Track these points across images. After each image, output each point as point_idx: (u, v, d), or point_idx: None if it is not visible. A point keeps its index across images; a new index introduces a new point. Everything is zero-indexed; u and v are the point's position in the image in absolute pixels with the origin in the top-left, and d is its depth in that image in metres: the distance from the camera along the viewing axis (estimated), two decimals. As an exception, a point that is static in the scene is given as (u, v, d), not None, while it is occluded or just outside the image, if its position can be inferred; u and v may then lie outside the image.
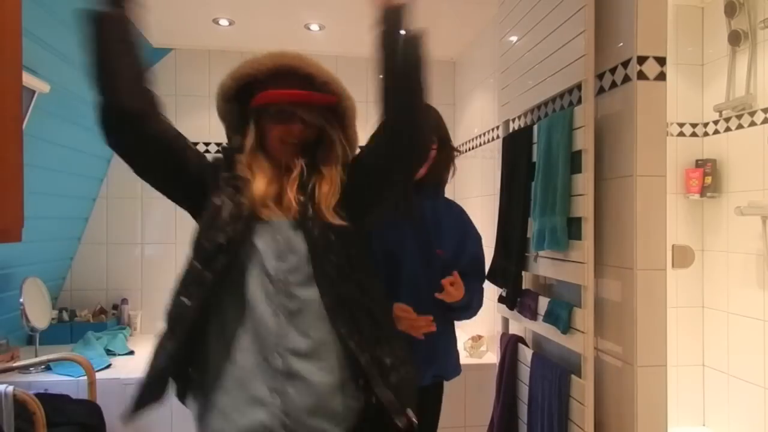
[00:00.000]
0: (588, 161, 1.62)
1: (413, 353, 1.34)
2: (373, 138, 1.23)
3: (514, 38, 2.22)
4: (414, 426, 1.15)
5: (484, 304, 1.73)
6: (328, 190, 1.17)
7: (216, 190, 1.17)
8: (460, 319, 1.74)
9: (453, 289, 1.52)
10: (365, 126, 2.33)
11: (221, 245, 1.10)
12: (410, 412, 1.14)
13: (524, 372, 2.01)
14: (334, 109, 1.26)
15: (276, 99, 1.18)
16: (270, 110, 1.21)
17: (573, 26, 1.71)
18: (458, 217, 1.74)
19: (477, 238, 1.75)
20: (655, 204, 1.52)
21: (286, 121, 1.20)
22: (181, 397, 1.26)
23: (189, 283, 1.13)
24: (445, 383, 1.74)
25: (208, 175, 1.21)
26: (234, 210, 1.13)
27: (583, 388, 1.62)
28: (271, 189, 1.18)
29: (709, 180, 2.43)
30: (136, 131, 1.14)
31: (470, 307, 1.66)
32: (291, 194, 1.17)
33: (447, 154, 1.71)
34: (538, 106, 2.09)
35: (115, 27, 1.12)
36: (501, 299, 2.17)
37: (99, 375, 2.30)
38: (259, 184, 1.17)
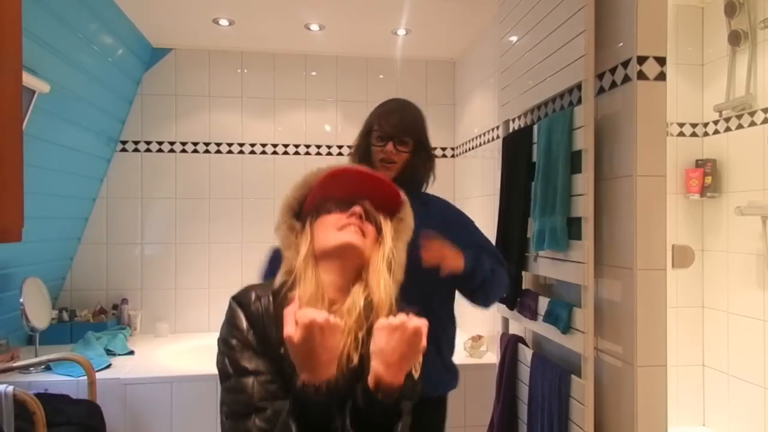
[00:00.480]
0: (588, 161, 1.62)
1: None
2: None
3: (514, 38, 2.22)
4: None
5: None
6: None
7: None
8: (476, 299, 1.57)
9: (431, 255, 1.38)
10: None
11: None
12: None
13: (524, 372, 2.02)
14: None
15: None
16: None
17: (573, 26, 1.71)
18: (439, 212, 1.63)
19: (467, 224, 1.66)
20: (655, 204, 1.52)
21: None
22: None
23: None
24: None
25: None
26: None
27: (583, 388, 1.62)
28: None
29: (709, 180, 2.43)
30: None
31: (474, 276, 1.47)
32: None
33: (422, 156, 1.61)
34: (538, 106, 2.09)
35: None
36: (501, 299, 2.17)
37: (99, 375, 2.30)
38: None
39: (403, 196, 1.12)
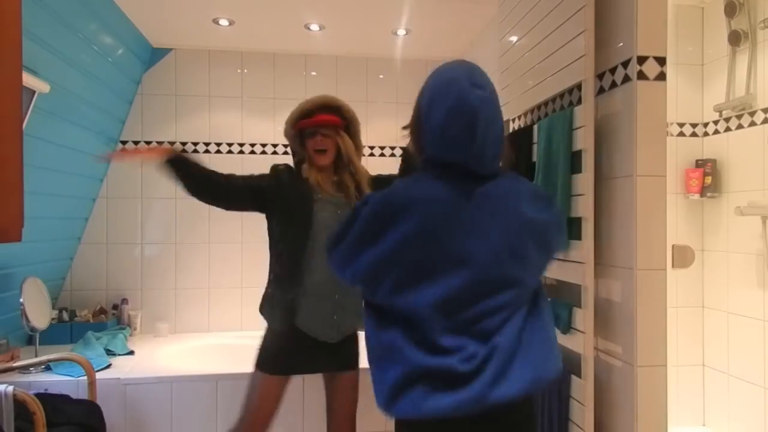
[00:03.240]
0: (588, 161, 1.62)
1: None
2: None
3: (514, 38, 2.22)
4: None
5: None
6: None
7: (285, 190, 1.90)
8: None
9: None
10: (365, 125, 2.33)
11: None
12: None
13: (524, 372, 2.01)
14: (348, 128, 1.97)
15: (312, 120, 1.89)
16: (309, 132, 1.91)
17: (573, 26, 1.71)
18: None
19: None
20: (655, 204, 1.52)
21: (316, 136, 1.90)
22: None
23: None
24: None
25: (276, 186, 1.89)
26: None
27: (583, 388, 1.62)
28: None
29: (709, 180, 2.43)
30: (223, 205, 1.95)
31: None
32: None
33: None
34: (538, 106, 2.09)
35: (183, 171, 1.84)
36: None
37: (99, 375, 2.30)
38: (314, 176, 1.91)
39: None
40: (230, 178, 1.89)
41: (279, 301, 1.85)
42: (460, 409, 1.07)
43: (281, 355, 1.87)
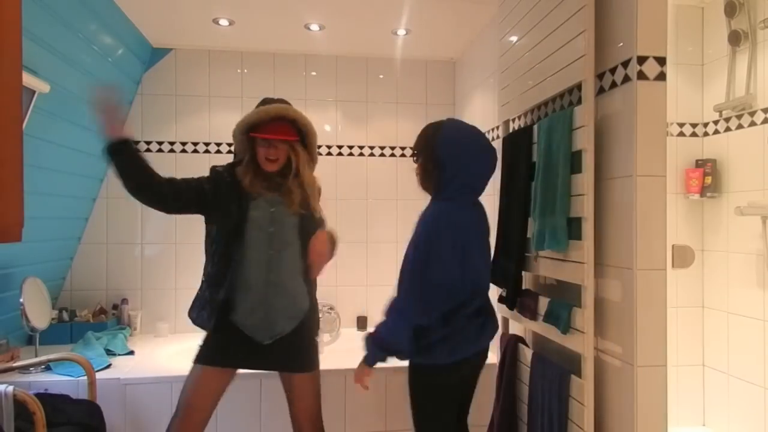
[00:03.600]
0: (588, 161, 1.62)
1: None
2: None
3: (514, 38, 2.22)
4: None
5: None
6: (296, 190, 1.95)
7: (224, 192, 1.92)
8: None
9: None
10: (365, 125, 2.32)
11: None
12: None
13: (524, 372, 2.02)
14: (303, 140, 1.97)
15: (267, 136, 1.88)
16: (261, 141, 1.90)
17: (573, 26, 1.71)
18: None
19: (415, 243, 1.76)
20: (655, 204, 1.52)
21: (269, 147, 1.90)
22: None
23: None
24: None
25: (215, 187, 1.92)
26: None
27: (583, 388, 1.62)
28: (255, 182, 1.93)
29: (709, 180, 2.43)
30: (164, 207, 1.94)
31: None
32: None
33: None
34: (538, 106, 2.09)
35: (128, 161, 1.87)
36: (501, 299, 2.17)
37: (99, 375, 2.30)
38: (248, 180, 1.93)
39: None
40: (173, 180, 1.90)
41: (209, 301, 1.87)
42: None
43: (216, 349, 1.90)
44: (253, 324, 1.87)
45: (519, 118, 2.26)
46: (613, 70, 1.63)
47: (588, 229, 1.62)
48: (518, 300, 2.05)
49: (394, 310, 1.73)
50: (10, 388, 1.78)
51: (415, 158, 1.90)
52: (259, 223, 1.88)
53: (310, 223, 1.94)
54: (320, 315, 2.14)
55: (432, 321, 1.71)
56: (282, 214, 1.91)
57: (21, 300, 2.42)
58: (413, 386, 1.83)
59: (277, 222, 1.90)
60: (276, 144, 1.88)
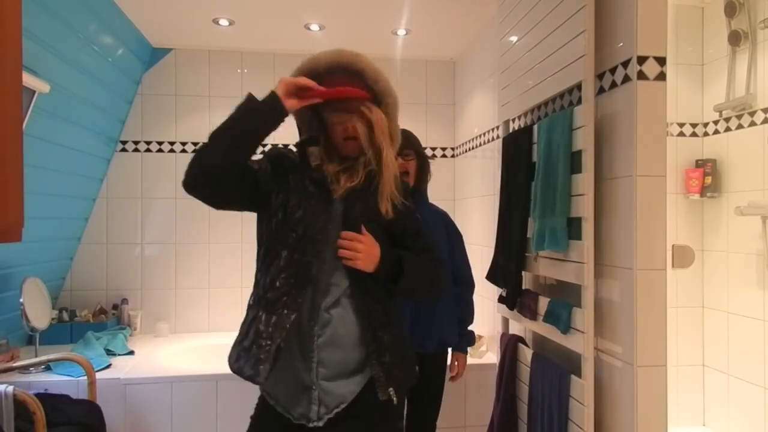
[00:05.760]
0: (588, 161, 1.62)
1: (417, 323, 1.93)
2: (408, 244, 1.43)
3: (514, 38, 2.22)
4: (394, 403, 1.29)
5: (484, 304, 1.73)
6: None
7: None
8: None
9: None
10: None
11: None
12: (392, 391, 1.28)
13: (524, 372, 2.02)
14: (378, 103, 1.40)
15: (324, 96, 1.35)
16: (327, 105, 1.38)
17: (573, 26, 1.71)
18: (441, 219, 2.10)
19: (458, 244, 2.12)
20: (655, 204, 1.52)
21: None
22: None
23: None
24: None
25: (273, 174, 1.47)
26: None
27: (583, 388, 1.62)
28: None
29: (709, 180, 2.43)
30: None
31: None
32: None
33: (423, 162, 2.08)
34: (538, 106, 2.09)
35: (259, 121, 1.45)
36: (501, 299, 2.17)
37: (99, 375, 2.30)
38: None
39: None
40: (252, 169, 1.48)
41: (258, 347, 1.29)
42: None
43: None
44: (289, 394, 1.37)
45: (519, 118, 2.26)
46: (613, 70, 1.63)
47: (588, 229, 1.62)
48: (518, 300, 2.05)
49: (471, 302, 2.13)
50: (10, 388, 1.78)
51: (411, 158, 2.01)
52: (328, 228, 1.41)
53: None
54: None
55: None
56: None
57: (21, 300, 2.42)
58: (444, 375, 2.06)
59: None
60: (349, 109, 1.37)
